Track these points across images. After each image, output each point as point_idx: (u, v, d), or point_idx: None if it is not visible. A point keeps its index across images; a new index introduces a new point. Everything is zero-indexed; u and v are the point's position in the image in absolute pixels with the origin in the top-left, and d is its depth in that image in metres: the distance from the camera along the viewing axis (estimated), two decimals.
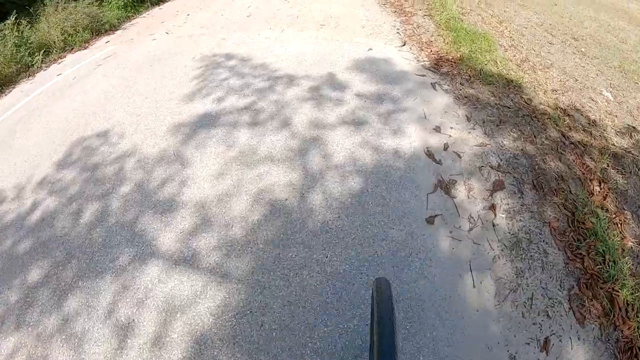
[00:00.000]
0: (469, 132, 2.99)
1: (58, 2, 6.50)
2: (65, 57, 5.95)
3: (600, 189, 2.67)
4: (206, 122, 3.25)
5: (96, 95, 4.14)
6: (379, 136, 2.87)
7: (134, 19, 7.18)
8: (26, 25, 6.18)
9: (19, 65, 5.57)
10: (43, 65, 5.78)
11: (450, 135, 2.94)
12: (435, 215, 2.28)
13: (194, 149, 2.90)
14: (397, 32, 4.83)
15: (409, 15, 5.36)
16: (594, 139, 3.19)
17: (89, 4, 6.65)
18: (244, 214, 2.31)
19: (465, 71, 3.90)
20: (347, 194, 2.38)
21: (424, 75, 3.80)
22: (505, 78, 3.85)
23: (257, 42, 4.81)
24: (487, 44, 4.45)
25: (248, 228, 2.24)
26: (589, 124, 3.37)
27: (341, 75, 3.82)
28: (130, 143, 3.14)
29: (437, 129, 3.01)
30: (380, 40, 4.65)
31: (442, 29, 4.81)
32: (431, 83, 3.66)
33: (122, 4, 7.22)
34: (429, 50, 4.36)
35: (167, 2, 8.02)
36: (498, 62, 4.10)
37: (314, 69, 3.95)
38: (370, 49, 4.42)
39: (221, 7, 6.71)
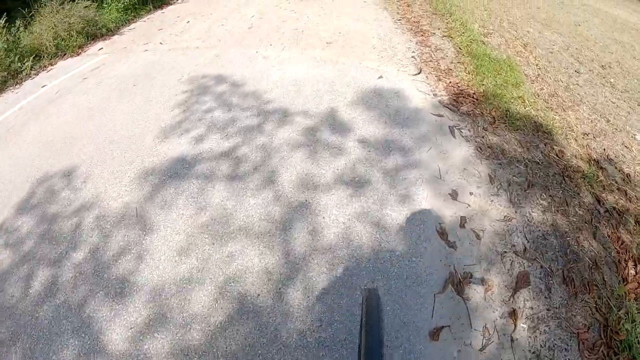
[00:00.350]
0: (492, 200, 2.49)
1: (53, 4, 6.15)
2: (56, 63, 5.62)
3: (636, 272, 2.26)
4: (178, 170, 2.83)
5: (72, 119, 3.77)
6: (382, 205, 2.39)
7: (133, 22, 6.79)
8: (19, 28, 5.87)
9: (6, 73, 5.25)
10: (32, 72, 5.46)
11: (468, 205, 2.45)
12: (442, 328, 1.82)
13: (159, 209, 2.47)
14: (412, 56, 4.30)
15: (426, 35, 4.79)
16: (630, 201, 2.76)
17: (85, 6, 6.26)
18: (205, 312, 1.89)
19: (488, 111, 3.37)
20: (335, 292, 1.93)
21: (441, 116, 3.29)
22: (534, 121, 3.32)
23: (253, 62, 4.34)
24: (513, 76, 3.90)
25: (209, 332, 1.82)
26: (623, 180, 2.93)
27: (344, 111, 3.33)
28: (93, 190, 2.74)
29: (454, 195, 2.52)
30: (393, 65, 4.13)
31: (463, 55, 4.26)
32: (449, 127, 3.15)
33: (123, 6, 6.82)
34: (448, 81, 3.83)
35: (171, 5, 7.60)
36: (526, 100, 3.56)
37: (312, 102, 3.47)
38: (380, 76, 3.91)
39: (224, 14, 6.24)
